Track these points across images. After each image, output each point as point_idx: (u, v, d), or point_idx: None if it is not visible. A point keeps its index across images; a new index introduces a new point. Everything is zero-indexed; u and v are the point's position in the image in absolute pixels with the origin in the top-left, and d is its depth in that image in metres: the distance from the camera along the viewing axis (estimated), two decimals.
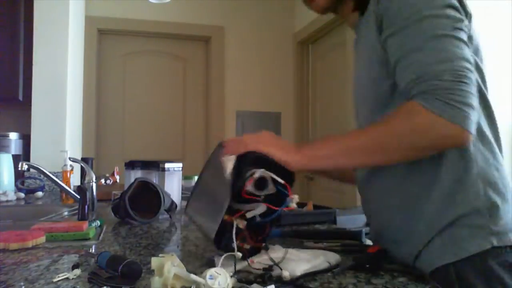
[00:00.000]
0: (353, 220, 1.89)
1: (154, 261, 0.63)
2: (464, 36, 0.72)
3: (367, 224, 1.97)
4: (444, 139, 0.69)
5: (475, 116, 0.68)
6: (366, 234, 1.03)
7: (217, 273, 0.59)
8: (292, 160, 0.74)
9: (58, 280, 0.69)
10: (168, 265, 0.61)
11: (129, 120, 3.45)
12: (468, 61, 0.69)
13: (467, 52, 0.70)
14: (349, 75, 2.69)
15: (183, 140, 3.56)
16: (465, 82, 0.67)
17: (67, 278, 0.70)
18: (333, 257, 0.79)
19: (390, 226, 0.84)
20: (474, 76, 0.69)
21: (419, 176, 0.78)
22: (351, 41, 2.73)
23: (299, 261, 0.74)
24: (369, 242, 1.00)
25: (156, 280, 0.61)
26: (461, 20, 0.73)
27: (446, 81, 0.67)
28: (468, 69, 0.68)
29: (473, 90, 0.68)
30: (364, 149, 0.74)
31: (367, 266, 0.74)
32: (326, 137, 0.83)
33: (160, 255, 0.66)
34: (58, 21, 2.52)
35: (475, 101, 0.68)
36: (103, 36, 3.41)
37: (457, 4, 0.73)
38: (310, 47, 3.56)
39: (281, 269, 0.69)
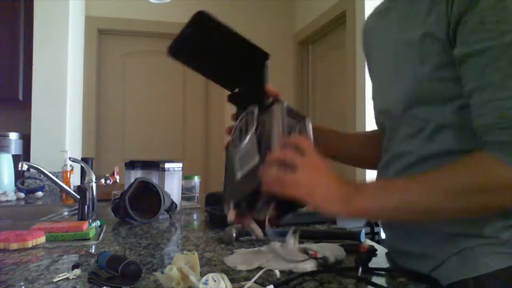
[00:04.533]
0: (353, 220, 1.89)
1: (176, 257, 0.64)
2: None
3: (367, 224, 1.97)
4: None
5: None
6: (366, 234, 1.03)
7: (214, 280, 0.58)
8: (335, 211, 0.64)
9: (58, 280, 0.69)
10: (180, 262, 0.61)
11: (129, 120, 3.45)
12: None
13: None
14: (349, 75, 2.69)
15: (183, 140, 3.56)
16: None
17: (67, 278, 0.70)
18: (340, 252, 0.81)
19: (407, 242, 0.77)
20: None
21: None
22: (351, 41, 2.73)
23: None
24: (369, 242, 0.99)
25: (159, 275, 0.62)
26: None
27: None
28: None
29: None
30: (427, 210, 0.63)
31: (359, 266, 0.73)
32: (383, 183, 0.71)
33: (185, 252, 0.66)
34: (58, 21, 2.52)
35: None
36: (103, 36, 3.41)
37: None
38: (310, 47, 3.56)
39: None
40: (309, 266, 0.75)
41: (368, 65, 0.92)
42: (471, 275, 0.66)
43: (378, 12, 0.87)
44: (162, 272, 0.66)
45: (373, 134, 0.95)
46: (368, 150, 0.95)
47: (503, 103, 0.57)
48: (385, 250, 0.91)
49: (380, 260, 0.87)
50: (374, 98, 0.87)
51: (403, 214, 0.65)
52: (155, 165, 1.51)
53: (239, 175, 0.70)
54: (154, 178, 1.47)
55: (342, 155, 0.98)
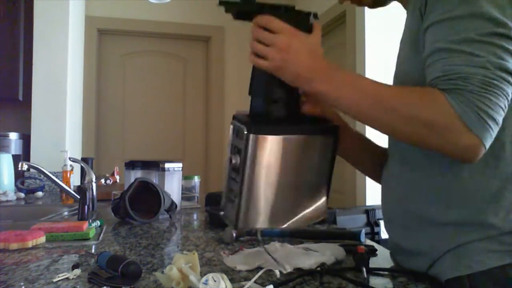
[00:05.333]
0: (353, 220, 1.90)
1: (176, 257, 0.64)
2: (505, 43, 0.62)
3: (367, 224, 1.97)
4: (455, 145, 0.62)
5: (495, 131, 0.61)
6: (366, 234, 1.03)
7: (214, 280, 0.58)
8: (299, 85, 0.74)
9: (58, 280, 0.69)
10: (180, 262, 0.61)
11: (129, 120, 3.45)
12: (507, 71, 0.61)
13: (509, 63, 0.61)
14: None
15: (183, 140, 3.56)
16: (496, 93, 0.60)
17: (67, 278, 0.70)
18: (340, 252, 0.81)
19: (406, 238, 0.78)
20: (510, 88, 0.61)
21: (443, 190, 0.71)
22: (351, 41, 2.73)
23: (308, 255, 0.76)
24: (369, 242, 1.00)
25: (159, 275, 0.62)
26: (505, 25, 0.63)
27: (474, 85, 0.60)
28: (505, 80, 0.60)
29: (503, 104, 0.60)
30: (373, 105, 0.67)
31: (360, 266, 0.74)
32: (348, 76, 0.74)
33: (185, 252, 0.66)
34: (58, 21, 2.52)
35: (501, 116, 0.61)
36: (103, 36, 3.41)
37: (506, 4, 0.64)
38: None
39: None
40: (310, 264, 0.75)
41: None
42: (465, 273, 0.67)
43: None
44: (162, 272, 0.66)
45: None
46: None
47: (449, 60, 0.63)
48: (385, 250, 0.91)
49: (380, 260, 0.87)
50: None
51: (354, 110, 0.70)
52: (155, 165, 1.51)
53: None
54: (154, 178, 1.47)
55: (363, 166, 0.97)
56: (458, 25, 0.64)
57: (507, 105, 0.61)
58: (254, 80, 0.77)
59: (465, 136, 0.60)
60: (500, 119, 0.61)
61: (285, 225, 0.76)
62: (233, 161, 0.72)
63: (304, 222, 0.79)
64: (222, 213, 0.80)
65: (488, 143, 0.61)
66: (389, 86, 0.71)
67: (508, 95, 0.61)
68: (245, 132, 0.70)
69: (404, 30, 0.80)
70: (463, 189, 0.69)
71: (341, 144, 0.82)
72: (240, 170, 0.71)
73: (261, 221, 0.75)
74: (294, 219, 0.78)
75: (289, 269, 0.71)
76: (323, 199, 0.81)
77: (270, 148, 0.72)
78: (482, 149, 0.61)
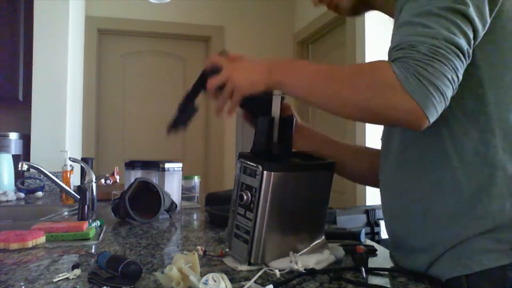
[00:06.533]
0: (353, 220, 1.90)
1: (176, 257, 0.64)
2: (460, 20, 0.62)
3: (367, 224, 1.97)
4: (395, 110, 0.62)
5: (440, 103, 0.60)
6: (366, 234, 1.04)
7: (214, 280, 0.58)
8: (257, 83, 0.77)
9: (58, 280, 0.69)
10: (180, 262, 0.61)
11: (129, 120, 3.45)
12: (456, 46, 0.61)
13: (460, 40, 0.61)
14: None
15: (183, 140, 3.56)
16: (442, 62, 0.59)
17: (67, 278, 0.70)
18: (339, 252, 0.82)
19: (406, 234, 0.78)
20: (460, 64, 0.61)
21: (437, 182, 0.71)
22: (351, 41, 2.73)
23: (310, 254, 0.77)
24: (369, 242, 1.00)
25: (159, 275, 0.62)
26: (465, 2, 0.63)
27: (420, 53, 0.60)
28: (453, 51, 0.60)
29: (450, 75, 0.60)
30: (323, 81, 0.71)
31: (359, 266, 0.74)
32: (297, 64, 0.79)
33: (185, 252, 0.66)
34: (58, 21, 2.52)
35: (447, 88, 0.60)
36: (103, 36, 3.42)
37: None
38: (310, 47, 3.56)
39: None
40: (310, 262, 0.75)
41: None
42: (464, 273, 0.67)
43: None
44: (162, 272, 0.66)
45: (371, 152, 0.97)
46: (361, 164, 0.97)
47: (405, 32, 0.65)
48: (385, 250, 0.91)
49: (380, 260, 0.87)
50: None
51: (307, 95, 0.74)
52: (155, 165, 1.51)
53: None
54: (154, 178, 1.47)
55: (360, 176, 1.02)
56: (420, 1, 0.66)
57: (455, 78, 0.61)
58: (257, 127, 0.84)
59: (405, 100, 0.60)
60: (445, 89, 0.60)
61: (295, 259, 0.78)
62: (245, 198, 0.75)
63: (311, 252, 0.82)
64: (227, 249, 0.82)
65: (429, 110, 0.60)
66: (342, 65, 0.76)
67: (457, 69, 0.61)
68: (260, 170, 0.74)
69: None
70: (456, 179, 0.69)
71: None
72: (254, 207, 0.74)
73: (272, 255, 0.77)
74: (304, 250, 0.81)
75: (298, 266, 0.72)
76: (323, 231, 0.86)
77: (283, 184, 0.76)
78: (421, 115, 0.60)
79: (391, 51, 0.65)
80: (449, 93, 0.61)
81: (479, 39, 0.66)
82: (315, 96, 0.73)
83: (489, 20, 0.66)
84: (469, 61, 0.64)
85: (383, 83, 0.63)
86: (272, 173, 0.74)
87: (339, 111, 0.71)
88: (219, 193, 1.53)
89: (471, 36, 0.63)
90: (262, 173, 0.74)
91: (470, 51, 0.63)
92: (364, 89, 0.65)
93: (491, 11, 0.66)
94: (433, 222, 0.72)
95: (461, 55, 0.61)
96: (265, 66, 0.78)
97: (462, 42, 0.61)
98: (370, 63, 0.68)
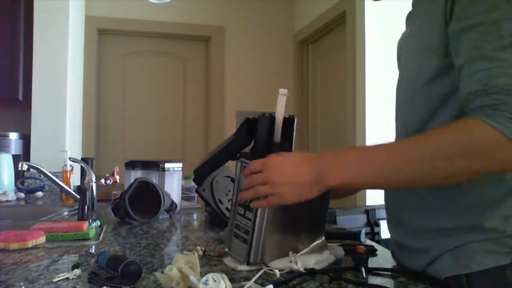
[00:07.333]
0: (353, 220, 1.90)
1: (176, 257, 0.64)
2: None
3: (367, 224, 1.97)
4: (499, 160, 0.58)
5: None
6: (366, 234, 1.03)
7: (214, 280, 0.58)
8: (312, 195, 0.68)
9: (58, 280, 0.69)
10: (180, 262, 0.61)
11: (129, 120, 3.45)
12: None
13: None
14: (349, 75, 2.69)
15: (183, 140, 3.56)
16: None
17: (67, 278, 0.70)
18: (339, 252, 0.82)
19: (411, 237, 0.79)
20: None
21: (445, 196, 0.71)
22: (351, 41, 2.73)
23: (310, 254, 0.77)
24: (369, 242, 1.00)
25: (159, 275, 0.62)
26: None
27: None
28: None
29: None
30: (406, 164, 0.62)
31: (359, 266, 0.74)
32: (360, 153, 0.69)
33: (185, 252, 0.66)
34: (58, 21, 2.52)
35: None
36: (103, 36, 3.41)
37: None
38: (310, 47, 3.56)
39: None
40: (310, 262, 0.75)
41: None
42: (463, 272, 0.67)
43: (407, 17, 0.86)
44: (162, 272, 0.66)
45: None
46: None
47: (490, 72, 0.59)
48: (385, 250, 0.91)
49: (380, 260, 0.87)
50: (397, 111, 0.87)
51: (384, 184, 0.69)
52: (155, 165, 1.51)
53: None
54: (154, 178, 1.47)
55: None
56: (502, 27, 0.60)
57: None
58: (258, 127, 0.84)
59: (508, 149, 0.57)
60: None
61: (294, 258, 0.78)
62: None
63: (311, 252, 0.82)
64: (227, 249, 0.82)
65: None
66: (407, 139, 0.70)
67: None
68: None
69: (414, 31, 0.77)
70: (464, 197, 0.70)
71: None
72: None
73: (272, 255, 0.77)
74: (303, 250, 0.81)
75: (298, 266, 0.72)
76: (323, 232, 0.85)
77: None
78: None
79: (474, 94, 0.61)
80: None
81: None
82: (403, 181, 0.65)
83: None
84: None
85: (485, 142, 0.58)
86: None
87: (441, 183, 0.66)
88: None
89: None
90: None
91: None
92: (468, 157, 0.59)
93: None
94: (438, 232, 0.73)
95: None
96: (313, 170, 0.67)
97: None
98: (457, 124, 0.62)
